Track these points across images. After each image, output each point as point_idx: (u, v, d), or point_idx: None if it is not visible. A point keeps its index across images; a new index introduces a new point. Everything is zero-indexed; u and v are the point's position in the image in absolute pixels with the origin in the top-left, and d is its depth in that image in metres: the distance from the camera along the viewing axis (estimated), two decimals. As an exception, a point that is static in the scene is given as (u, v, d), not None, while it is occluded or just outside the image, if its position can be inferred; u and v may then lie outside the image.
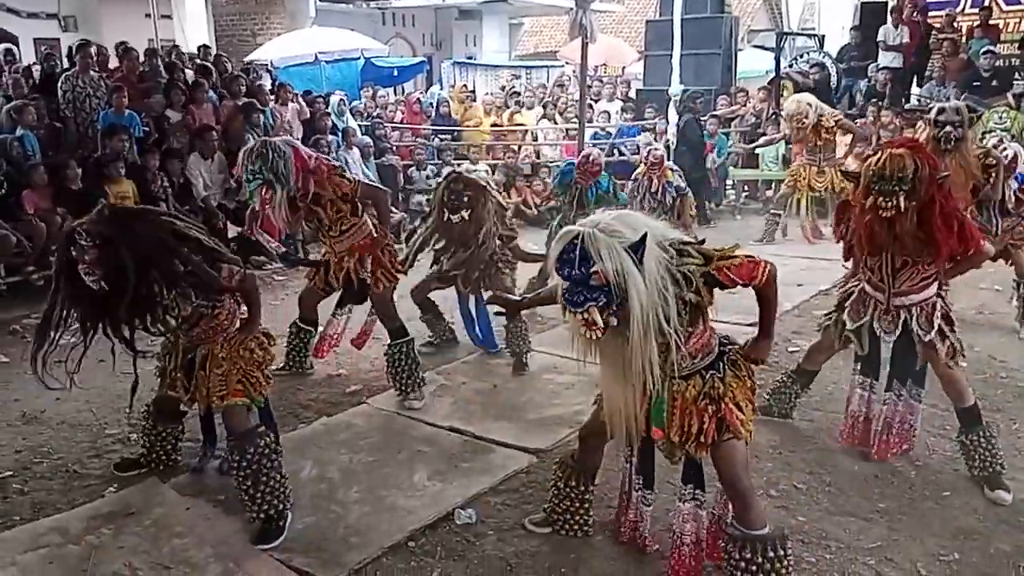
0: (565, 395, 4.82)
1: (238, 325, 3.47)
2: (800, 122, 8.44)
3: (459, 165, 8.40)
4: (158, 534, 3.36)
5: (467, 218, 4.99)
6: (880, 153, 3.49)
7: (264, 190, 4.26)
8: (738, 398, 2.81)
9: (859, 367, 3.98)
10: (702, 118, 11.17)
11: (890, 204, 3.41)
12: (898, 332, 3.75)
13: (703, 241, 2.76)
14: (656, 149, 7.61)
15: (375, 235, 4.67)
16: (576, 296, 2.51)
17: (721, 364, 2.83)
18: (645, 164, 7.40)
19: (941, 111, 5.14)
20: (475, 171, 5.29)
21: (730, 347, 2.90)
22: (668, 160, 7.96)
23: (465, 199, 4.96)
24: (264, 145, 4.27)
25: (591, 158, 6.48)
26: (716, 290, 2.70)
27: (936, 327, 3.67)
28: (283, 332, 5.61)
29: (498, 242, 5.26)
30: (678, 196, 7.33)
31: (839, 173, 7.78)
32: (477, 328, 5.57)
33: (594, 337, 2.53)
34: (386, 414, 4.61)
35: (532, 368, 5.28)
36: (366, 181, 4.64)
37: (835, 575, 3.10)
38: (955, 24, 12.14)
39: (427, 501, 3.64)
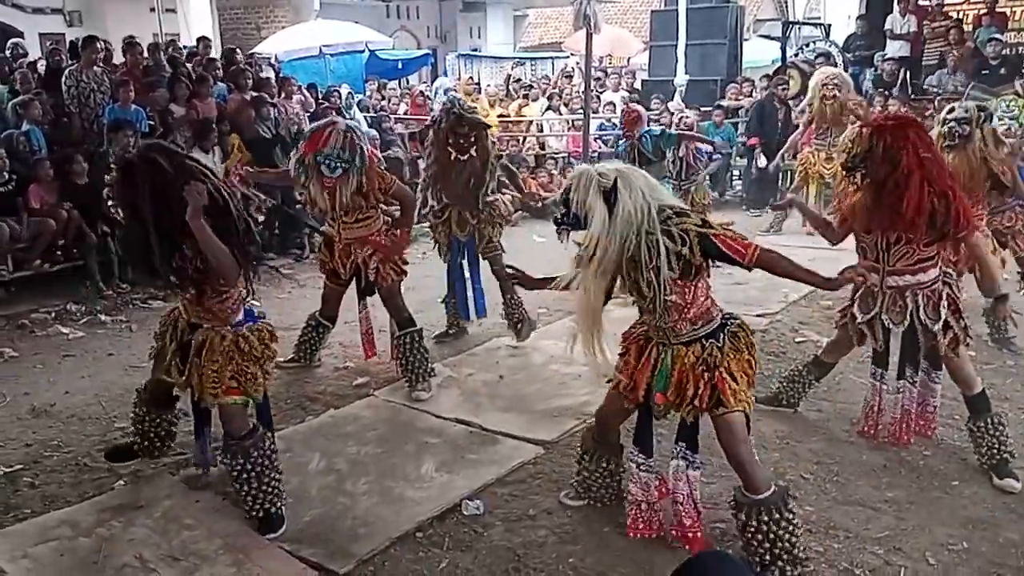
0: (572, 386, 4.82)
1: (240, 317, 3.38)
2: (833, 95, 7.90)
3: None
4: (167, 526, 3.37)
5: (474, 155, 5.11)
6: (849, 131, 3.70)
7: (341, 178, 4.39)
8: (733, 369, 2.95)
9: (872, 359, 4.00)
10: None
11: (852, 180, 3.68)
12: (907, 322, 3.74)
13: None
14: (687, 116, 7.76)
15: (389, 233, 4.76)
16: (560, 218, 2.99)
17: (721, 335, 2.99)
18: (679, 129, 7.84)
19: (952, 110, 5.16)
20: (474, 111, 5.35)
21: (732, 320, 3.05)
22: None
23: (472, 138, 5.07)
24: (357, 135, 4.40)
25: (629, 106, 6.91)
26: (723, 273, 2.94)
27: (943, 317, 3.66)
28: (290, 325, 5.64)
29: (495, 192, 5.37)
30: (709, 160, 7.90)
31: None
32: (470, 294, 5.63)
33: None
34: (393, 406, 4.62)
35: (539, 359, 5.28)
36: (400, 182, 4.73)
37: (843, 565, 3.10)
38: (946, 11, 12.03)
39: (434, 492, 3.65)
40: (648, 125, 7.11)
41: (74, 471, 3.94)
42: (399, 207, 4.78)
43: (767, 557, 2.94)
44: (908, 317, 3.73)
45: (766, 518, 2.94)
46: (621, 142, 6.78)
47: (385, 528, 3.36)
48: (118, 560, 3.15)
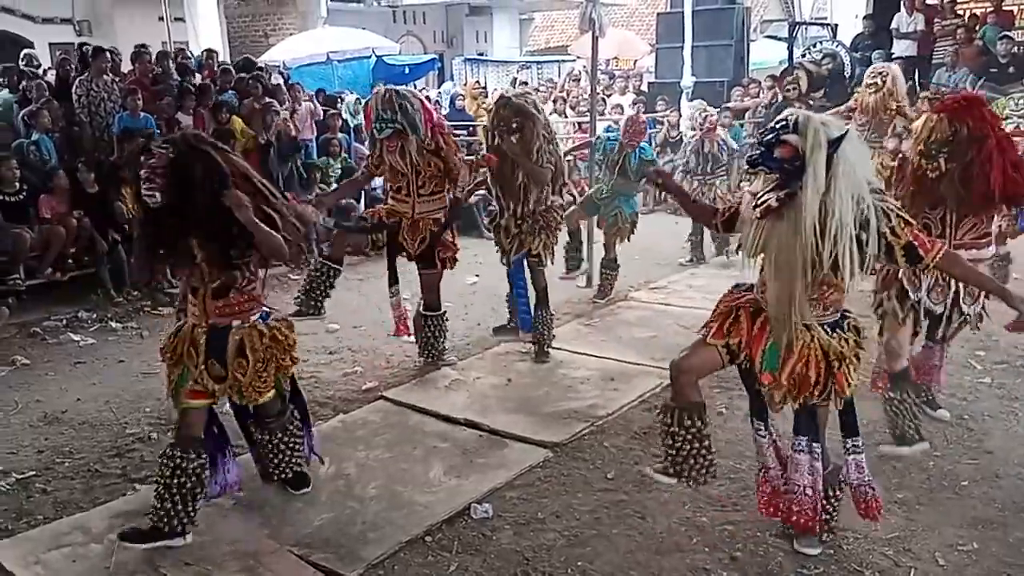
0: (580, 389, 4.83)
1: (262, 311, 3.33)
2: (876, 88, 7.18)
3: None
4: (178, 531, 3.39)
5: (516, 142, 5.02)
6: (924, 118, 3.71)
7: (392, 140, 4.47)
8: (852, 363, 2.90)
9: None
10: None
11: (933, 166, 3.59)
12: (948, 304, 3.82)
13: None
14: (711, 115, 7.89)
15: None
16: (755, 157, 2.75)
17: (845, 326, 2.92)
18: (700, 129, 8.04)
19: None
20: (526, 96, 5.28)
21: (849, 313, 2.98)
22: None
23: (514, 123, 4.99)
24: (398, 94, 4.44)
25: (637, 117, 6.78)
26: None
27: (981, 302, 3.78)
28: (301, 331, 5.64)
29: (551, 201, 5.27)
30: (732, 155, 8.01)
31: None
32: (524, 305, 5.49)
33: (753, 209, 2.76)
34: (402, 410, 4.63)
35: (547, 362, 5.28)
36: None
37: (853, 566, 3.09)
38: (957, 10, 12.00)
39: (443, 496, 3.66)
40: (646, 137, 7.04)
41: (86, 477, 3.97)
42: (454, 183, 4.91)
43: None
44: (950, 299, 3.78)
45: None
46: (610, 142, 6.63)
47: (394, 532, 3.37)
48: (130, 566, 3.17)
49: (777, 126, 2.72)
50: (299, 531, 3.40)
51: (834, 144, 2.63)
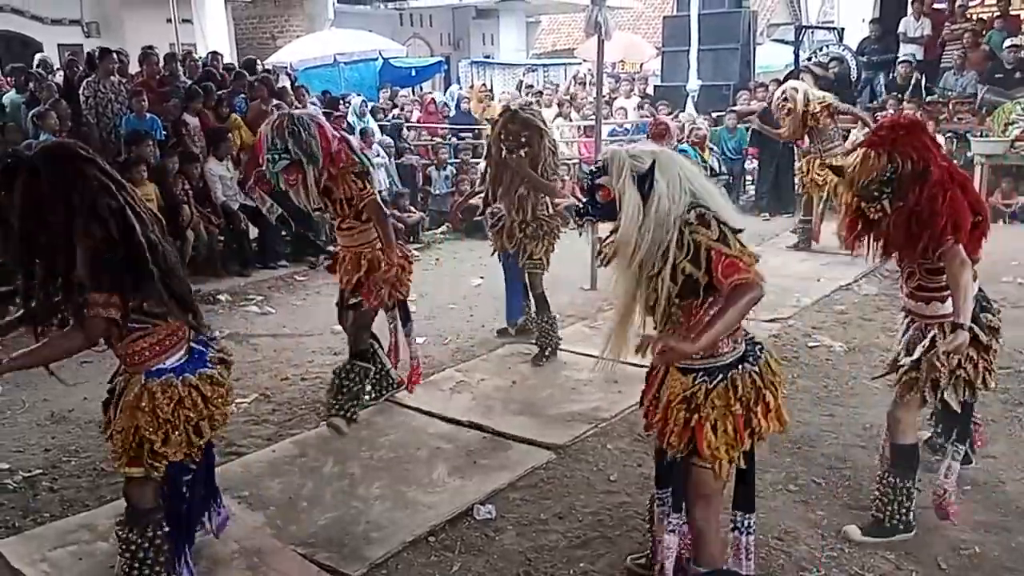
0: (584, 391, 4.84)
1: (170, 363, 2.71)
2: (787, 110, 7.69)
3: (477, 163, 8.44)
4: (183, 530, 3.41)
5: (524, 156, 5.00)
6: (857, 152, 3.15)
7: (290, 172, 3.89)
8: (716, 418, 2.51)
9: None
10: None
11: (874, 208, 3.07)
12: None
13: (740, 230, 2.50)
14: (699, 128, 7.75)
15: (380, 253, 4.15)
16: (583, 208, 2.66)
17: (721, 376, 2.53)
18: (688, 142, 7.58)
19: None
20: (531, 108, 5.29)
21: (746, 363, 2.56)
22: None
23: (523, 138, 4.97)
24: (292, 120, 3.87)
25: (659, 118, 6.76)
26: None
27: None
28: (307, 331, 5.70)
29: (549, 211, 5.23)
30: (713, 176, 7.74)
31: (825, 166, 7.19)
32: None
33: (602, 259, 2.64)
34: (406, 411, 4.65)
35: (551, 364, 5.30)
36: (379, 200, 4.14)
37: (854, 569, 3.09)
38: (968, 14, 11.98)
39: (447, 497, 3.68)
40: (676, 140, 6.85)
41: (92, 476, 4.00)
42: (376, 227, 4.14)
43: None
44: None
45: None
46: None
47: (398, 532, 3.39)
48: (135, 563, 3.19)
49: (592, 171, 2.62)
50: (303, 530, 3.42)
51: (644, 179, 2.45)
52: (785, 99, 7.68)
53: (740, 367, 2.55)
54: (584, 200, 2.65)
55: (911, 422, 3.28)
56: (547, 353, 5.35)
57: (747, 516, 2.72)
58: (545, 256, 5.29)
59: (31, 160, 2.46)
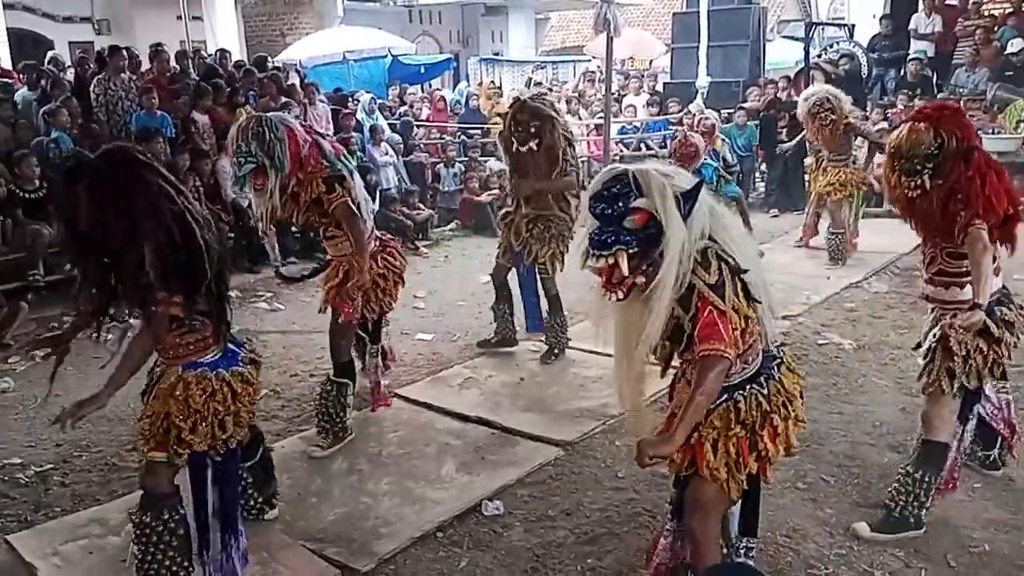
0: (592, 388, 4.84)
1: (208, 359, 2.82)
2: (822, 121, 7.27)
3: (486, 161, 8.40)
4: (193, 525, 3.43)
5: (536, 148, 4.81)
6: (901, 127, 3.18)
7: (256, 176, 3.69)
8: (717, 439, 2.45)
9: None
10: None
11: (914, 184, 3.07)
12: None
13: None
14: (707, 118, 7.59)
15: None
16: (606, 236, 2.25)
17: (724, 395, 2.44)
18: (697, 131, 7.46)
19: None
20: (542, 97, 5.04)
21: (750, 387, 2.47)
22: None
23: (532, 129, 4.79)
24: (259, 123, 3.68)
25: (687, 140, 6.27)
26: None
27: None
28: (315, 328, 5.70)
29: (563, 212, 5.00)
30: (726, 168, 7.44)
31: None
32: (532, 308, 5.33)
33: (614, 296, 2.28)
34: (414, 407, 4.66)
35: (559, 361, 5.30)
36: (349, 204, 3.86)
37: (863, 567, 3.09)
38: (982, 11, 11.91)
39: (455, 493, 3.69)
40: (704, 158, 6.47)
41: (103, 471, 4.03)
42: (348, 233, 3.94)
43: None
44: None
45: None
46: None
47: (406, 528, 3.40)
48: (146, 557, 3.21)
49: (617, 192, 2.26)
50: (312, 525, 3.44)
51: (689, 197, 2.25)
52: (830, 108, 7.24)
53: (747, 388, 2.47)
54: (610, 229, 2.26)
55: (943, 417, 3.25)
56: (556, 352, 5.32)
57: (748, 540, 2.74)
58: (551, 261, 5.09)
59: (93, 164, 2.55)
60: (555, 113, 4.90)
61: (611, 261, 2.25)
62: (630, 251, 2.24)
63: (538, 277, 5.25)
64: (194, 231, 2.61)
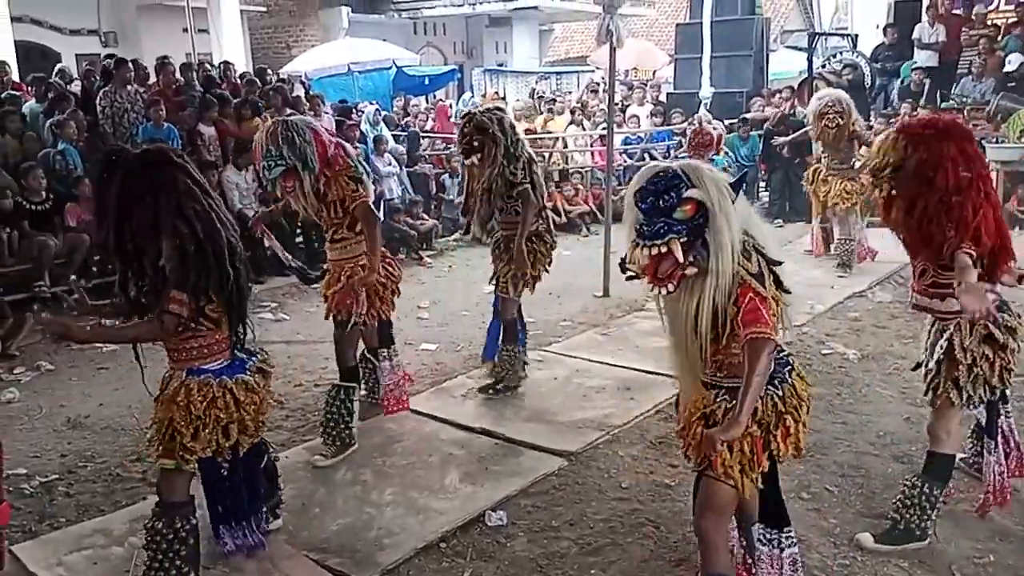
0: (595, 398, 4.84)
1: (214, 365, 2.89)
2: (829, 122, 7.32)
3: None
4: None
5: (477, 163, 4.62)
6: (884, 135, 3.21)
7: (287, 178, 3.85)
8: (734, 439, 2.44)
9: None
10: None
11: (879, 193, 3.14)
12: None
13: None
14: (714, 128, 7.59)
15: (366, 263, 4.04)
16: (658, 227, 2.33)
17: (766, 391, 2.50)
18: (688, 145, 7.26)
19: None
20: (491, 112, 4.68)
21: (767, 388, 2.49)
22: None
23: (475, 143, 4.58)
24: (287, 127, 3.82)
25: (702, 128, 6.21)
26: None
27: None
28: (320, 338, 5.72)
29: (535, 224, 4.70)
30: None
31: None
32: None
33: (665, 289, 2.37)
34: (418, 418, 4.66)
35: (562, 372, 5.30)
36: (370, 204, 4.03)
37: (867, 577, 3.08)
38: (986, 21, 11.93)
39: (458, 503, 3.69)
40: (718, 152, 6.39)
41: (107, 481, 4.04)
42: (364, 231, 4.04)
43: None
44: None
45: None
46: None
47: (410, 538, 3.40)
48: (149, 568, 3.21)
49: (666, 185, 2.35)
50: (315, 536, 3.44)
51: (736, 188, 2.39)
52: (840, 112, 7.25)
53: (765, 388, 2.49)
54: (662, 221, 2.33)
55: (950, 431, 3.24)
56: (498, 388, 4.87)
57: (774, 530, 2.74)
58: (511, 281, 4.72)
59: (129, 160, 2.73)
60: (500, 132, 4.53)
61: (663, 250, 2.33)
62: (682, 240, 2.33)
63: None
64: (219, 232, 2.76)
